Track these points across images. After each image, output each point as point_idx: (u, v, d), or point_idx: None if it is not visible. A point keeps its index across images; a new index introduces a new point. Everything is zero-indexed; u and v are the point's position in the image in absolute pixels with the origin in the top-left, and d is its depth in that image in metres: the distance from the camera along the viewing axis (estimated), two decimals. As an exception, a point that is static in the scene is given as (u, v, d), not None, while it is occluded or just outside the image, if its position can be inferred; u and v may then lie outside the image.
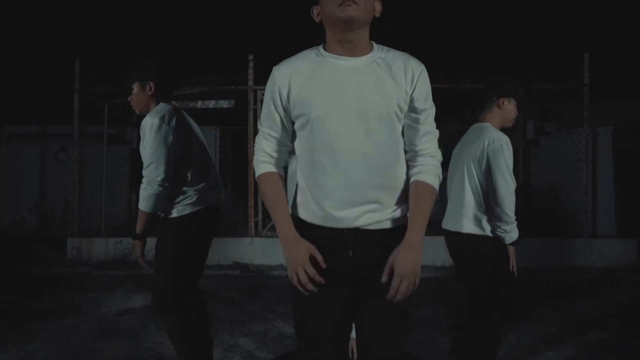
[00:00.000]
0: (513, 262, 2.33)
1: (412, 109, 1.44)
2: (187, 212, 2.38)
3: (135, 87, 2.44)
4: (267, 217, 6.67)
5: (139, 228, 2.35)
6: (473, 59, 8.09)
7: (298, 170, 1.52)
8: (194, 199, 2.41)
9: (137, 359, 3.07)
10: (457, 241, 2.38)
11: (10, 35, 11.42)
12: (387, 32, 2.65)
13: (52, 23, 11.74)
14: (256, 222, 6.54)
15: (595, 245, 6.13)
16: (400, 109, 1.42)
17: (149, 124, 2.29)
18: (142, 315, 3.92)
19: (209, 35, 11.79)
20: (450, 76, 6.46)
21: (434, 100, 1.53)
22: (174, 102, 2.58)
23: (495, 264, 2.30)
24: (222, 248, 6.34)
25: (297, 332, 1.54)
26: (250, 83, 6.42)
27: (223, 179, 8.01)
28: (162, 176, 2.26)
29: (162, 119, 2.30)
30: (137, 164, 8.64)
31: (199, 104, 6.73)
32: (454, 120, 10.09)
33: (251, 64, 6.42)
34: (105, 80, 6.98)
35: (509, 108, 2.42)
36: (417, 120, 1.45)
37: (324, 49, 1.46)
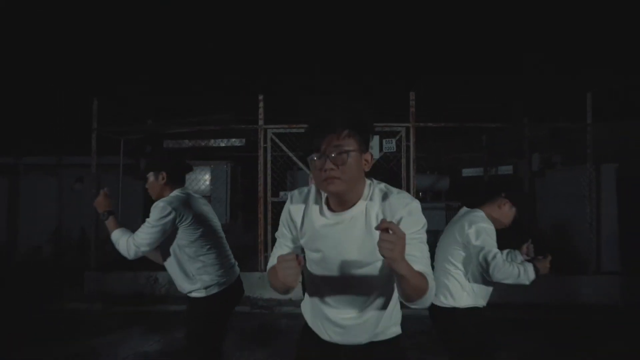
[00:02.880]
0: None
1: None
2: (215, 290, 2.64)
3: (150, 177, 2.73)
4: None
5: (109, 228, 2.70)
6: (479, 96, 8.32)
7: None
8: (221, 276, 2.67)
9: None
10: None
11: (25, 71, 11.94)
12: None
13: (68, 62, 12.25)
14: (266, 257, 6.76)
15: (599, 282, 6.26)
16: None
17: (160, 207, 2.57)
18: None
19: (220, 76, 12.20)
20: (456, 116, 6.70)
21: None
22: (185, 188, 2.84)
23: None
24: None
25: None
26: (261, 122, 6.70)
27: (233, 210, 8.31)
28: (145, 248, 2.58)
29: (169, 206, 2.57)
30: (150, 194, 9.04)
31: (212, 142, 7.00)
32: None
33: (261, 104, 6.70)
34: (121, 119, 7.33)
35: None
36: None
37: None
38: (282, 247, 1.77)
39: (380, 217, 1.57)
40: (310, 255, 1.68)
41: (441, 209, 8.08)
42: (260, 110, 6.71)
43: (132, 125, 7.13)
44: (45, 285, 7.20)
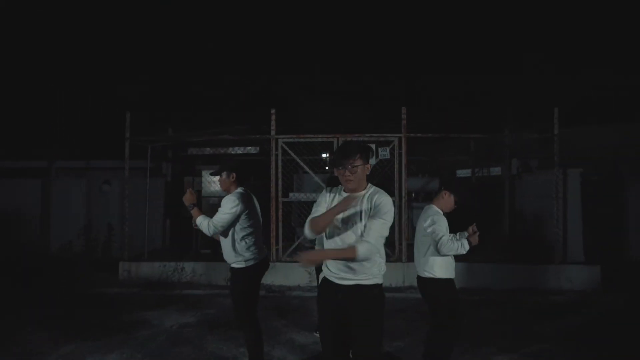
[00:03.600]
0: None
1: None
2: (251, 263, 3.69)
3: (224, 175, 3.76)
4: (286, 245, 7.98)
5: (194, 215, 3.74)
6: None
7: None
8: (256, 254, 3.72)
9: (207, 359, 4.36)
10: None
11: (57, 81, 13.05)
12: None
13: (97, 74, 13.35)
14: (277, 250, 7.81)
15: (564, 270, 7.34)
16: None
17: (231, 200, 3.64)
18: (199, 328, 5.24)
19: (237, 91, 13.31)
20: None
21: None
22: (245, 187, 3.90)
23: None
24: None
25: (322, 346, 2.82)
26: (273, 132, 7.74)
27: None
28: (220, 229, 3.65)
29: (238, 199, 3.64)
30: (170, 194, 10.07)
31: (230, 150, 8.05)
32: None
33: (273, 117, 7.74)
34: (149, 129, 8.37)
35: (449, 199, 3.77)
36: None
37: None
38: (320, 208, 2.80)
39: (369, 201, 2.72)
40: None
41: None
42: (272, 122, 7.76)
43: (158, 134, 8.16)
44: (81, 276, 8.19)
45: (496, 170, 11.54)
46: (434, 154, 11.47)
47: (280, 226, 7.78)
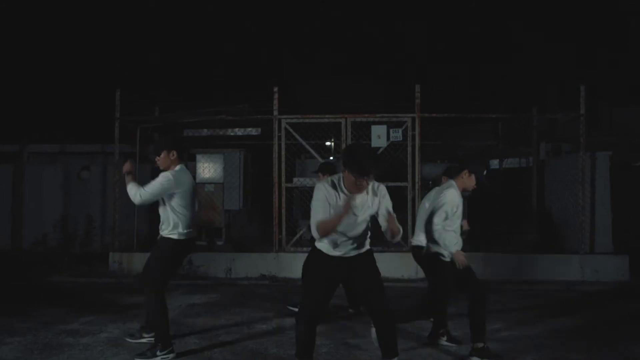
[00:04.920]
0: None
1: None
2: (183, 238, 5.01)
3: (163, 154, 5.06)
4: (290, 234, 9.45)
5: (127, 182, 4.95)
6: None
7: None
8: (188, 232, 5.05)
9: (224, 326, 5.87)
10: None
11: (29, 60, 14.54)
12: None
13: (74, 51, 14.81)
14: (280, 239, 9.27)
15: (589, 261, 8.83)
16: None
17: (167, 175, 4.91)
18: (209, 307, 6.78)
19: (237, 68, 14.80)
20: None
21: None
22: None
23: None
24: (249, 262, 9.17)
25: (305, 293, 4.24)
26: (275, 112, 9.20)
27: (245, 196, 10.86)
28: (147, 197, 4.83)
29: (173, 177, 4.92)
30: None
31: (229, 132, 9.54)
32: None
33: (276, 95, 9.19)
34: (137, 108, 9.84)
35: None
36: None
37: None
38: (325, 207, 4.16)
39: (372, 191, 4.09)
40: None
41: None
42: (275, 102, 9.21)
43: (149, 114, 9.66)
44: (69, 268, 9.65)
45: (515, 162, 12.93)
46: (455, 139, 12.92)
47: (283, 214, 9.24)
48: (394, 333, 4.19)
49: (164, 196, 4.94)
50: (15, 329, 5.71)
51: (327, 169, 6.38)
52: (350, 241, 4.09)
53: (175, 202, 4.94)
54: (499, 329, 5.89)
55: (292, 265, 8.96)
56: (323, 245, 4.16)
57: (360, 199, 4.02)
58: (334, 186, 4.05)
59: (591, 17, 16.12)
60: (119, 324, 5.98)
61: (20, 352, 4.99)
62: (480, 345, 4.87)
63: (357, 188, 3.94)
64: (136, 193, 4.86)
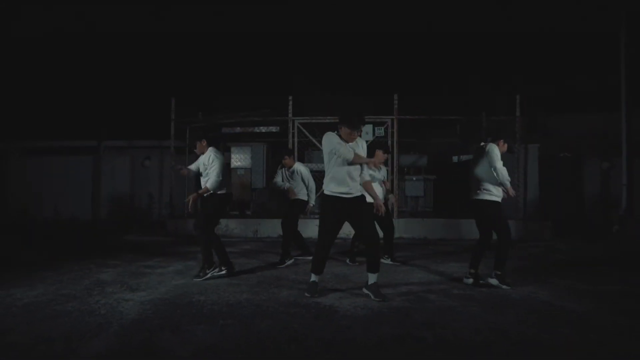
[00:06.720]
0: None
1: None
2: (224, 191, 5.69)
3: (198, 144, 5.73)
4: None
5: (201, 192, 5.63)
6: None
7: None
8: (227, 188, 5.76)
9: (254, 264, 6.56)
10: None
11: (105, 71, 15.38)
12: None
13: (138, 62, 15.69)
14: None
15: (522, 225, 9.51)
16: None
17: (211, 156, 5.58)
18: (243, 253, 7.50)
19: (262, 82, 15.60)
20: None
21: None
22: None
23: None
24: (270, 225, 9.84)
25: (321, 228, 4.86)
26: (290, 115, 9.90)
27: (267, 178, 11.56)
28: (220, 177, 5.55)
29: (214, 153, 5.60)
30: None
31: (255, 129, 10.25)
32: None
33: (290, 102, 9.89)
34: (186, 112, 10.53)
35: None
36: None
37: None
38: (344, 145, 4.78)
39: (360, 142, 4.76)
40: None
41: (420, 180, 11.31)
42: (290, 107, 9.91)
43: (194, 117, 10.36)
44: (130, 231, 10.42)
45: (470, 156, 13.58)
46: (425, 137, 13.57)
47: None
48: (378, 254, 4.68)
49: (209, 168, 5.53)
50: (108, 264, 6.43)
51: (290, 152, 7.11)
52: (352, 181, 4.59)
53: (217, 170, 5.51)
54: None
55: (302, 227, 9.68)
56: (332, 188, 4.65)
57: (354, 145, 4.62)
58: (337, 136, 4.61)
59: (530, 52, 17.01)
60: (181, 262, 6.69)
61: (116, 276, 5.70)
62: (499, 272, 5.18)
63: (350, 138, 4.54)
64: (213, 183, 5.43)
